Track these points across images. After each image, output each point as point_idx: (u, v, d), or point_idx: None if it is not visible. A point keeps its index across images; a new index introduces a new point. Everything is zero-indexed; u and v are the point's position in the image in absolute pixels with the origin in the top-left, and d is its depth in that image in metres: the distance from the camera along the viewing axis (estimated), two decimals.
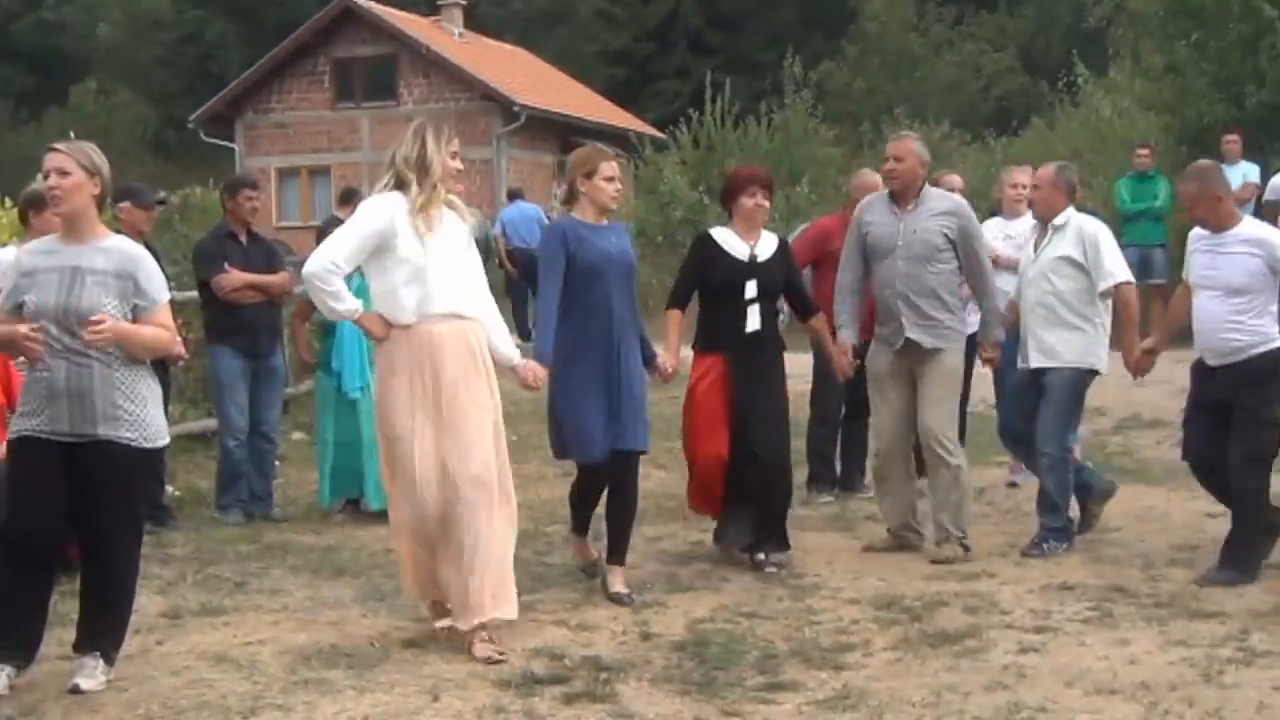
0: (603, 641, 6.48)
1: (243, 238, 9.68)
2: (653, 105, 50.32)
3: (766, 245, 8.04)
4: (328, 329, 9.58)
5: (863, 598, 7.18)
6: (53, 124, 48.89)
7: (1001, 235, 10.00)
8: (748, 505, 7.92)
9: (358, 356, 9.42)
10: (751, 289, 7.89)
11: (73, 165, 5.73)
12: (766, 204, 8.05)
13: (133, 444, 5.71)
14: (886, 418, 8.37)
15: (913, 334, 8.11)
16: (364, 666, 6.02)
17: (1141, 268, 17.03)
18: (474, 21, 44.53)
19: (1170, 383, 14.13)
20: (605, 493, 7.40)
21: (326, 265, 6.23)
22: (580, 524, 7.61)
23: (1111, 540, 8.43)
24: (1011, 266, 9.38)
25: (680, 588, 7.43)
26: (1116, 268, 8.35)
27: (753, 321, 7.91)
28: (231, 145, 39.20)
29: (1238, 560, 7.50)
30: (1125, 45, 23.95)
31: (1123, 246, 17.23)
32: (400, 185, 6.33)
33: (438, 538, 6.31)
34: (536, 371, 6.80)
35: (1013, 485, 10.08)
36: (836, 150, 30.92)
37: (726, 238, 8.00)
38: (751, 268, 7.92)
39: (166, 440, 6.04)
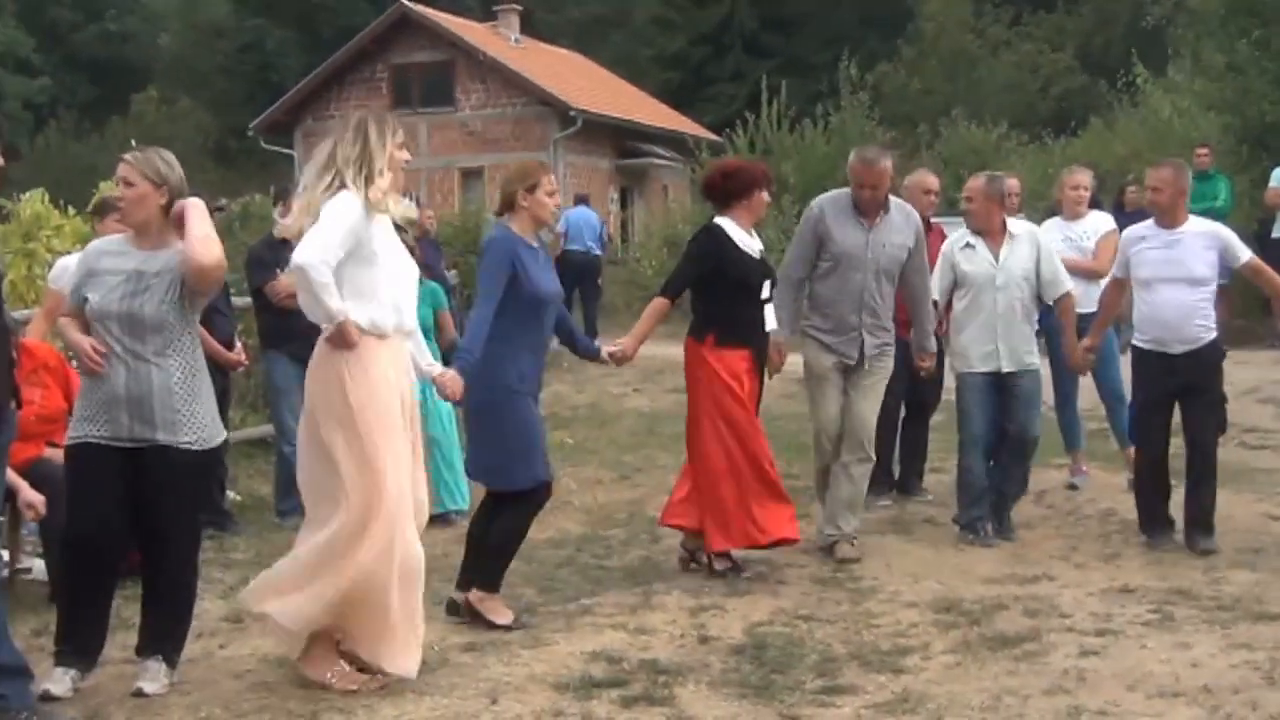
0: (661, 644, 6.48)
1: (295, 244, 9.68)
2: (708, 109, 50.32)
3: (757, 240, 7.98)
4: None
5: (921, 601, 7.15)
6: (115, 133, 49.44)
7: (1061, 236, 9.94)
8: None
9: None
10: (767, 289, 7.87)
11: (137, 177, 5.79)
12: None
13: (191, 447, 5.75)
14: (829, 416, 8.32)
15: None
16: (423, 670, 6.03)
17: None
18: (530, 27, 44.74)
19: (1233, 385, 14.07)
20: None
21: (323, 257, 5.78)
22: (500, 575, 6.96)
23: (1173, 543, 8.35)
24: (1074, 269, 9.33)
25: (738, 591, 7.42)
26: (1063, 278, 8.75)
27: (770, 320, 7.89)
28: (291, 152, 39.48)
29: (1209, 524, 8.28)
30: (1185, 44, 23.78)
31: None
32: (342, 185, 5.93)
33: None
34: (457, 384, 6.44)
35: (1072, 488, 10.00)
36: (893, 152, 30.78)
37: (736, 231, 7.83)
38: (763, 266, 7.90)
39: (224, 437, 6.08)
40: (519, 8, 43.62)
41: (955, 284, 8.71)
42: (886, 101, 37.43)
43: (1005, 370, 8.55)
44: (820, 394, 8.28)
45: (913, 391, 9.54)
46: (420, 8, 39.29)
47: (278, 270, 9.46)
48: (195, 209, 5.77)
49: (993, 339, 8.53)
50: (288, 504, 9.62)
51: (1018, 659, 6.16)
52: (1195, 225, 8.35)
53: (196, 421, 5.77)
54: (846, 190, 8.32)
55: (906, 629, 6.68)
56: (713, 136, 37.18)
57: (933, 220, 9.86)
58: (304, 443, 6.01)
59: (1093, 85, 41.16)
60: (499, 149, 37.37)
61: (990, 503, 8.64)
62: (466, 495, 9.61)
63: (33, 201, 11.60)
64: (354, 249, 5.87)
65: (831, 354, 8.21)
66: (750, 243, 7.84)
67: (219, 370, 9.25)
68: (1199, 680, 5.80)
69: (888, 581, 7.61)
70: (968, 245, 8.70)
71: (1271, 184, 16.39)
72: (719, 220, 7.88)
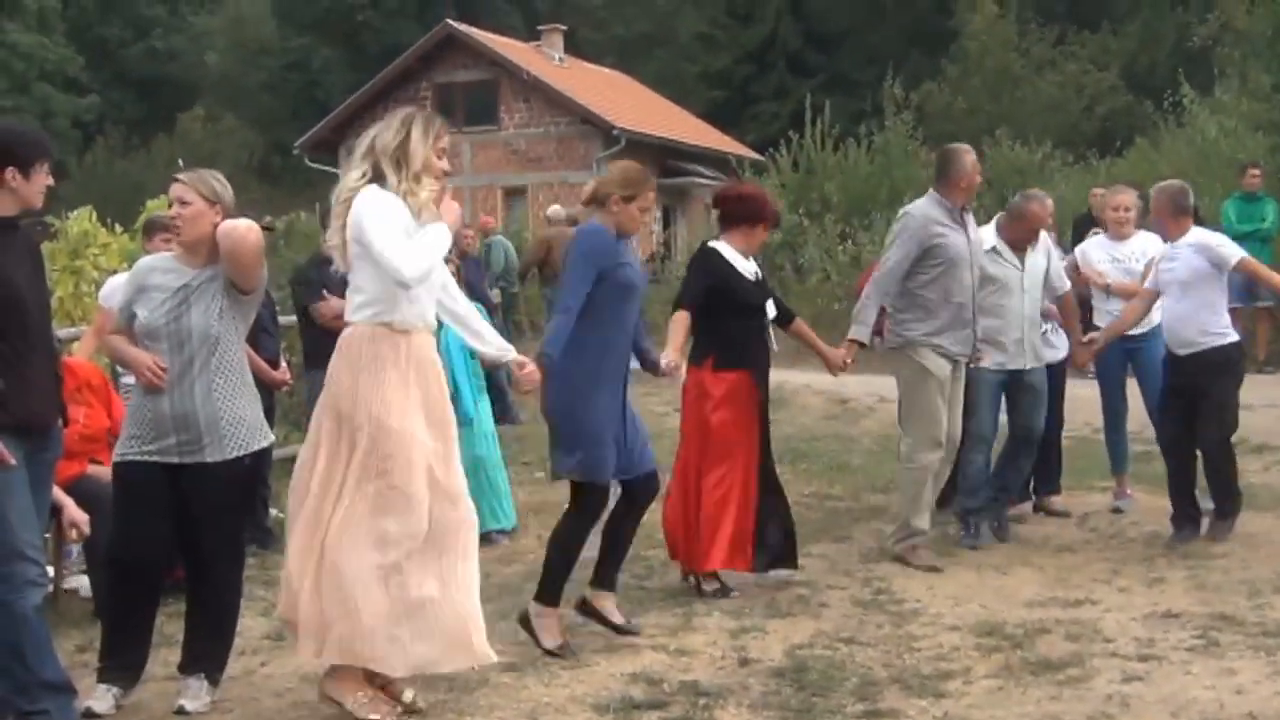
0: (701, 667, 6.47)
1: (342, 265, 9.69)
2: (752, 127, 50.34)
3: (753, 264, 8.04)
4: None
5: (963, 624, 7.12)
6: (161, 151, 49.83)
7: (1109, 258, 9.91)
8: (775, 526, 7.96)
9: (466, 384, 9.51)
10: (770, 309, 8.00)
11: (193, 195, 5.84)
12: None
13: (236, 454, 5.77)
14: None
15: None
16: (463, 690, 6.05)
17: (1247, 289, 16.79)
18: (574, 46, 44.87)
19: (1279, 406, 13.98)
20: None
21: (407, 260, 5.62)
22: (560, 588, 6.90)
23: (1217, 567, 8.28)
24: (1123, 293, 9.44)
25: (779, 613, 7.40)
26: (1065, 278, 9.45)
27: (773, 341, 8.05)
28: (335, 170, 39.62)
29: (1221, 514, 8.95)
30: (1232, 65, 23.63)
31: None
32: (377, 177, 5.79)
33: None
34: (535, 377, 6.42)
35: (1117, 511, 9.95)
36: None
37: (733, 255, 7.89)
38: (761, 289, 7.99)
39: (270, 440, 6.07)
40: (563, 27, 43.79)
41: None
42: (930, 121, 37.31)
43: (1028, 367, 9.00)
44: (935, 402, 8.44)
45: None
46: (465, 27, 39.48)
47: (324, 290, 9.50)
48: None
49: (1020, 337, 8.97)
50: None
51: (1060, 684, 6.12)
52: (1189, 237, 8.91)
53: (242, 429, 5.79)
54: (933, 196, 8.62)
55: (948, 652, 6.65)
56: (755, 155, 37.17)
57: None
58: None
59: (1138, 105, 40.95)
60: (542, 168, 37.49)
61: (990, 500, 9.11)
62: (511, 515, 9.62)
63: (80, 220, 11.71)
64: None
65: (948, 358, 8.46)
66: (747, 265, 7.93)
67: (264, 389, 9.29)
68: (1244, 708, 5.75)
69: (929, 604, 7.58)
70: (993, 250, 8.96)
71: None
72: (713, 243, 8.00)
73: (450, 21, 39.81)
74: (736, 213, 8.01)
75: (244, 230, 5.65)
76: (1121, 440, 10.11)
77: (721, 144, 42.27)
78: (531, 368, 6.40)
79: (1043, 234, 9.24)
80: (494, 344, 6.42)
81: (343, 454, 5.63)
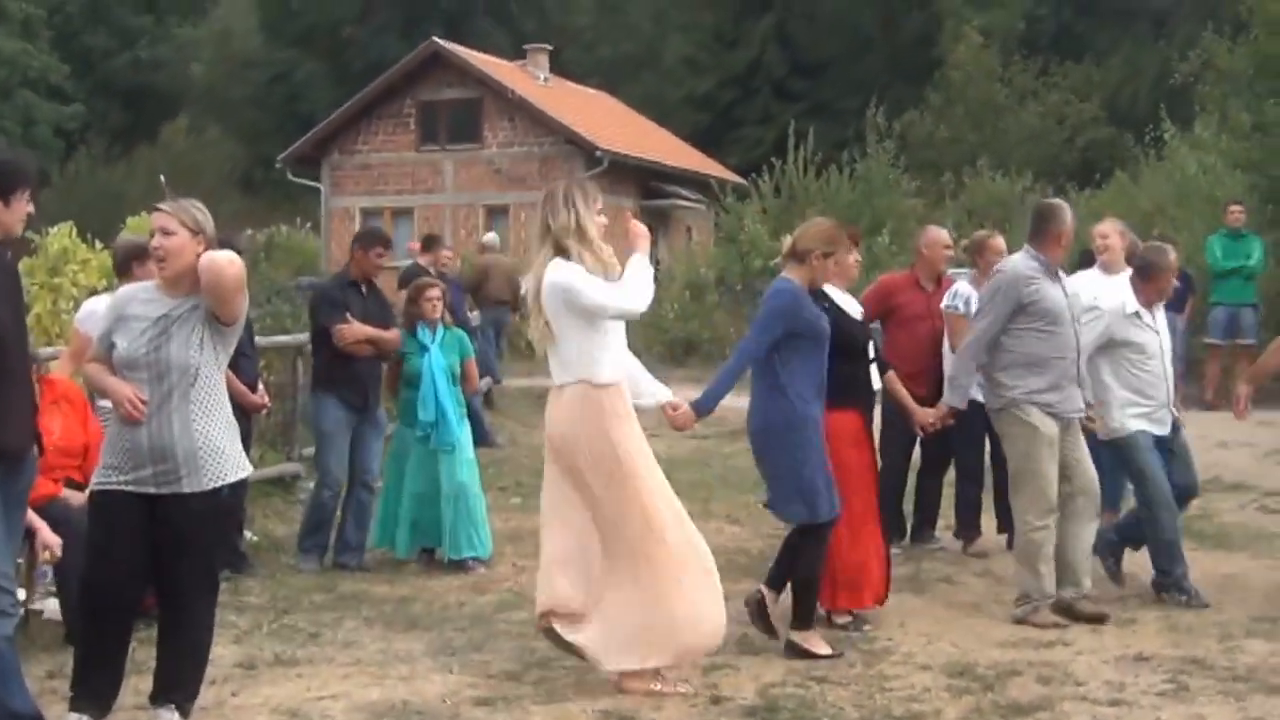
0: (673, 705, 6.46)
1: (364, 288, 9.70)
2: (735, 151, 50.45)
3: (855, 302, 8.12)
4: (410, 381, 9.63)
5: (935, 664, 7.13)
6: (143, 161, 49.72)
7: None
8: None
9: (451, 410, 9.52)
10: (872, 349, 8.00)
11: (176, 225, 5.81)
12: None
13: (212, 485, 5.75)
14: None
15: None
16: None
17: (1230, 327, 16.90)
18: (559, 66, 44.90)
19: (1255, 445, 14.05)
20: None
21: (617, 294, 6.52)
22: (813, 612, 7.49)
23: (1189, 609, 8.31)
24: None
25: (751, 650, 7.39)
26: None
27: (876, 380, 8.05)
28: (318, 185, 39.64)
29: None
30: (1212, 102, 23.78)
31: (1212, 305, 17.26)
32: (560, 252, 6.53)
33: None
34: (688, 419, 7.15)
35: None
36: (918, 201, 30.87)
37: (839, 295, 7.87)
38: (867, 327, 8.05)
39: (248, 472, 6.06)
40: (548, 47, 43.81)
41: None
42: (912, 149, 37.48)
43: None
44: (1048, 462, 8.05)
45: (925, 442, 9.62)
46: (451, 45, 39.48)
47: (348, 312, 9.44)
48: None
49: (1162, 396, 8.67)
50: (310, 542, 9.59)
51: None
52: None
53: (219, 461, 5.77)
54: (1028, 251, 8.24)
55: (920, 693, 6.65)
56: (738, 179, 37.25)
57: (948, 272, 10.06)
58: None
59: (1119, 137, 41.17)
60: (525, 187, 37.44)
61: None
62: (487, 543, 9.62)
63: (60, 236, 11.67)
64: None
65: (1055, 416, 8.08)
66: (850, 304, 7.96)
67: (243, 413, 9.27)
68: None
69: (902, 642, 7.59)
70: (1135, 314, 8.70)
71: None
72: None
73: (436, 39, 39.78)
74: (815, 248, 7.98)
75: (225, 262, 5.65)
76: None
77: (704, 167, 42.32)
78: (685, 409, 7.11)
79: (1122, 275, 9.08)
80: (654, 390, 7.09)
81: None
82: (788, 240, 7.56)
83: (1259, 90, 19.95)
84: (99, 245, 11.99)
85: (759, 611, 7.40)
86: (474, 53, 40.39)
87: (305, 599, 8.57)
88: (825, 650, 7.23)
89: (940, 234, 10.13)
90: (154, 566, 5.81)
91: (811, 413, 7.25)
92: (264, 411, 9.87)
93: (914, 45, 54.53)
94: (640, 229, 6.75)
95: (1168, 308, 10.45)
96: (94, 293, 10.59)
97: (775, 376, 7.24)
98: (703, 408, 7.21)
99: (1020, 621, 8.00)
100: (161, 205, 5.90)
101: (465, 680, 6.77)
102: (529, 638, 7.34)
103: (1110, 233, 9.83)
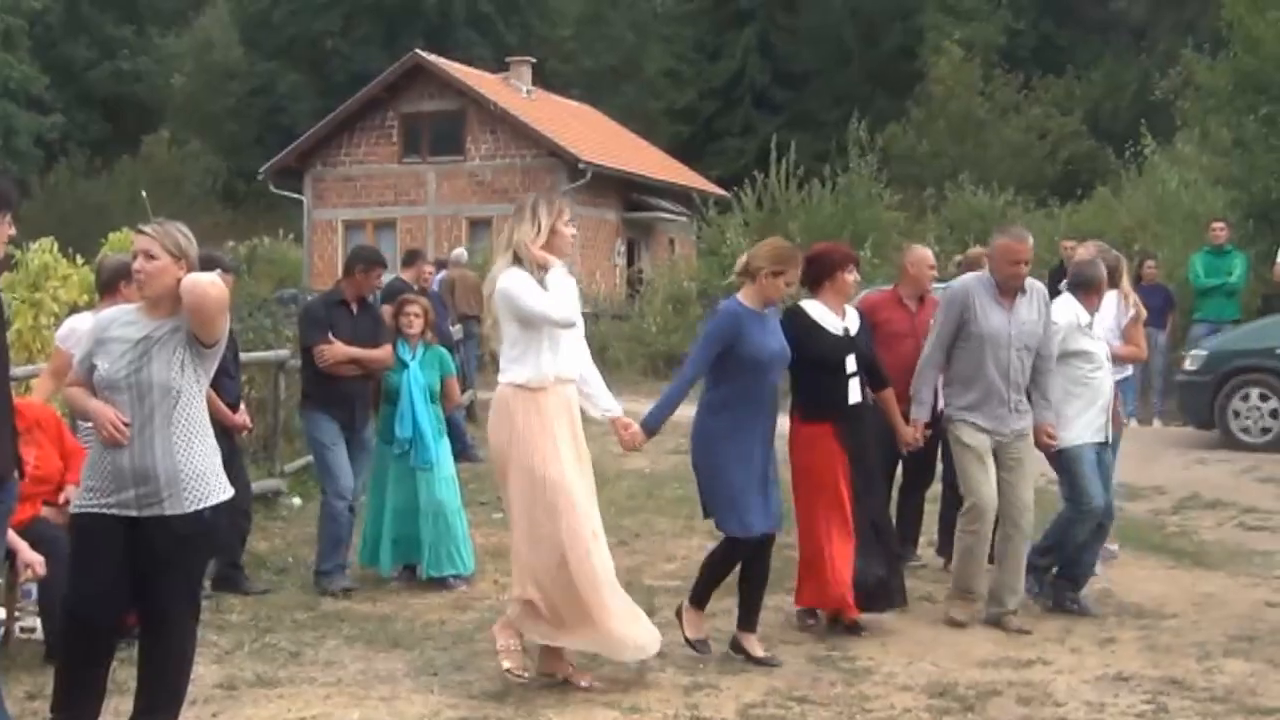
0: None
1: (354, 307, 9.63)
2: (717, 162, 50.60)
3: (852, 319, 8.24)
4: (389, 397, 9.63)
5: (915, 685, 7.14)
6: (124, 173, 49.66)
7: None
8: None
9: (429, 428, 9.52)
10: (851, 363, 8.08)
11: (159, 249, 5.79)
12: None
13: (196, 510, 5.75)
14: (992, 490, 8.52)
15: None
16: None
17: None
18: (541, 78, 44.96)
19: (1233, 462, 14.11)
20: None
21: (550, 304, 6.74)
22: (706, 597, 7.80)
23: (1168, 628, 8.34)
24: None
25: (733, 669, 7.40)
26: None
27: (854, 394, 8.12)
28: (300, 197, 39.62)
29: None
30: (1193, 118, 23.88)
31: (1194, 321, 17.40)
32: (518, 261, 6.85)
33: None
34: (637, 437, 7.32)
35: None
36: (899, 214, 30.93)
37: (819, 312, 8.09)
38: (848, 342, 8.10)
39: (230, 493, 6.03)
40: (531, 59, 43.88)
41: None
42: (894, 163, 37.57)
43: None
44: (978, 473, 8.39)
45: (910, 461, 9.65)
46: (433, 57, 39.51)
47: (330, 332, 9.40)
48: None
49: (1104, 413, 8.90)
50: (330, 563, 9.42)
51: None
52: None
53: (201, 483, 5.76)
54: (984, 273, 8.66)
55: (900, 714, 6.67)
56: (720, 191, 37.32)
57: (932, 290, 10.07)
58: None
59: (1100, 151, 41.32)
60: (507, 199, 37.43)
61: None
62: (469, 561, 9.61)
63: (41, 252, 11.61)
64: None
65: (986, 433, 8.42)
66: (834, 321, 8.10)
67: (225, 433, 9.25)
68: None
69: (883, 662, 7.60)
70: (1088, 326, 8.93)
71: (1279, 262, 16.49)
72: (802, 302, 8.23)
73: (418, 51, 39.82)
74: (813, 274, 8.20)
75: (208, 284, 5.65)
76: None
77: (686, 179, 42.43)
78: (635, 428, 7.28)
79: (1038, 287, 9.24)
80: (605, 403, 7.25)
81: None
82: (742, 259, 7.80)
83: (1238, 106, 20.04)
84: (80, 260, 11.94)
85: (739, 650, 7.69)
86: (456, 65, 40.44)
87: (287, 617, 8.55)
88: (696, 635, 7.67)
89: (925, 253, 10.16)
90: (135, 588, 5.79)
91: (749, 429, 7.46)
92: (246, 432, 9.82)
93: (895, 57, 54.78)
94: (542, 257, 6.88)
95: (1149, 324, 10.56)
96: (75, 309, 10.56)
97: (714, 393, 7.53)
98: (650, 426, 7.43)
99: (949, 619, 8.47)
100: (145, 228, 5.89)
101: (446, 701, 6.76)
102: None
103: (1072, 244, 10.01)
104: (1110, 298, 9.86)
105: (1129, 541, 10.47)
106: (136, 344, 5.74)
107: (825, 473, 8.00)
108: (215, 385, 8.65)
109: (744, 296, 7.64)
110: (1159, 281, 17.67)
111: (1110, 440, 9.02)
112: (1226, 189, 21.10)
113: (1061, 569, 8.92)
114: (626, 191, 39.45)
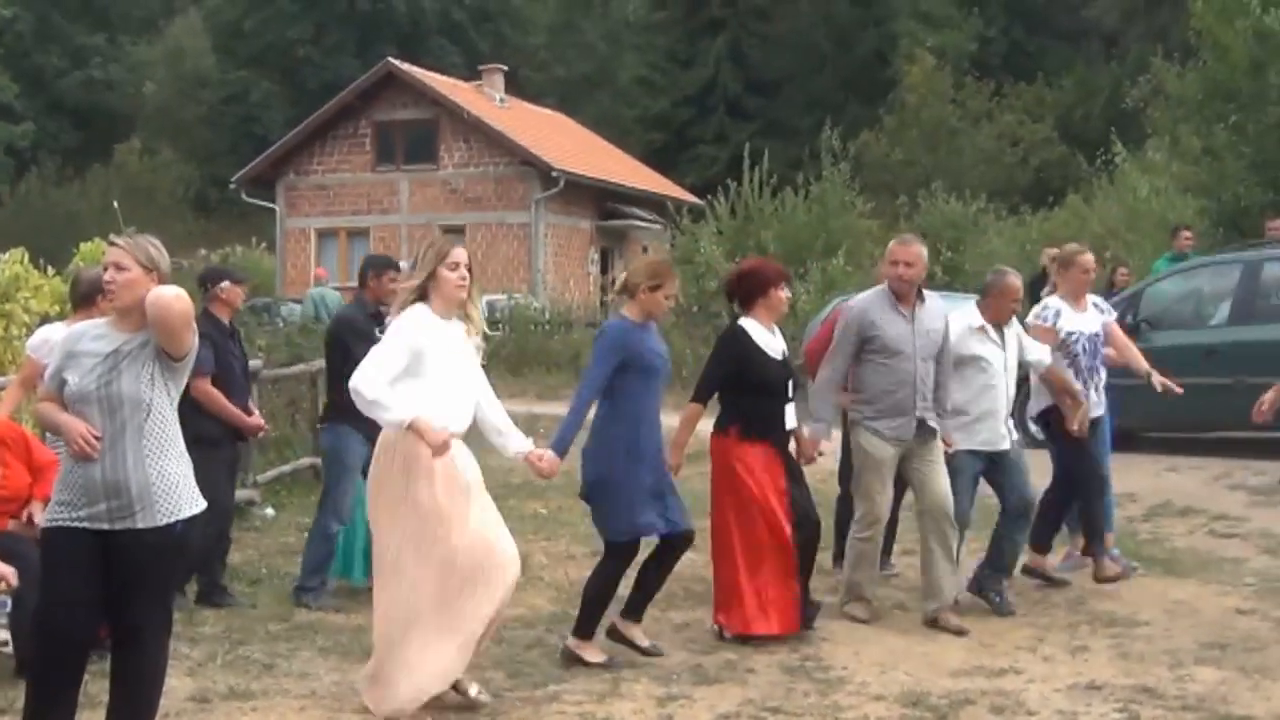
0: None
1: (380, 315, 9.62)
2: (690, 170, 50.67)
3: (780, 339, 8.29)
4: None
5: (889, 694, 7.16)
6: (96, 181, 49.46)
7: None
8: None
9: None
10: (790, 388, 8.16)
11: (130, 261, 5.78)
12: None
13: (168, 523, 5.73)
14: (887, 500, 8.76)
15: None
16: None
17: None
18: (515, 86, 44.98)
19: (1204, 469, 14.16)
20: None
21: (367, 376, 6.66)
22: (592, 624, 7.80)
23: (1140, 635, 8.37)
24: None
25: (706, 679, 7.41)
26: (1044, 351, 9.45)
27: (790, 419, 8.20)
28: (272, 205, 39.54)
29: None
30: (1163, 127, 24.01)
31: None
32: (423, 298, 6.82)
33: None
34: (554, 465, 7.26)
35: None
36: (873, 222, 31.00)
37: (760, 335, 8.14)
38: (786, 366, 8.17)
39: (203, 506, 6.00)
40: (504, 67, 43.89)
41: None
42: (867, 170, 37.66)
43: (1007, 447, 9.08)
44: (875, 481, 8.60)
45: None
46: (406, 65, 39.50)
47: (370, 342, 9.37)
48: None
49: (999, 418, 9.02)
50: (314, 580, 9.38)
51: None
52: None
53: (173, 496, 5.74)
54: (880, 286, 8.75)
55: None
56: (694, 199, 37.38)
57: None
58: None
59: (1071, 158, 41.48)
60: (480, 207, 37.52)
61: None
62: None
63: (11, 263, 11.56)
64: (410, 363, 6.66)
65: (891, 441, 8.54)
66: (772, 342, 8.17)
67: (232, 440, 9.25)
68: None
69: (856, 671, 7.61)
70: (982, 328, 9.02)
71: None
72: (742, 322, 8.23)
73: (391, 60, 39.81)
74: (746, 291, 8.28)
75: (170, 299, 5.62)
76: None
77: (660, 187, 42.47)
78: (550, 457, 7.21)
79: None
80: (515, 444, 7.09)
81: None
82: (623, 277, 7.96)
83: (1208, 114, 20.15)
84: (51, 271, 11.89)
85: (620, 639, 7.88)
86: (429, 73, 40.44)
87: (260, 629, 8.53)
88: (600, 659, 7.62)
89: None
90: (108, 601, 5.77)
91: (641, 440, 7.53)
92: (259, 435, 9.84)
93: (868, 64, 54.96)
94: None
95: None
96: (46, 319, 10.52)
97: (607, 406, 7.62)
98: (559, 450, 7.42)
99: (848, 615, 8.70)
100: (117, 240, 5.88)
101: (419, 713, 6.75)
102: (485, 668, 7.33)
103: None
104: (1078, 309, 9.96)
105: None
106: (106, 358, 5.72)
107: (762, 495, 8.02)
108: (227, 393, 8.97)
109: (628, 312, 7.75)
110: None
111: (1011, 448, 9.09)
112: (1196, 197, 21.22)
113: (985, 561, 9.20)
114: (600, 199, 39.48)
